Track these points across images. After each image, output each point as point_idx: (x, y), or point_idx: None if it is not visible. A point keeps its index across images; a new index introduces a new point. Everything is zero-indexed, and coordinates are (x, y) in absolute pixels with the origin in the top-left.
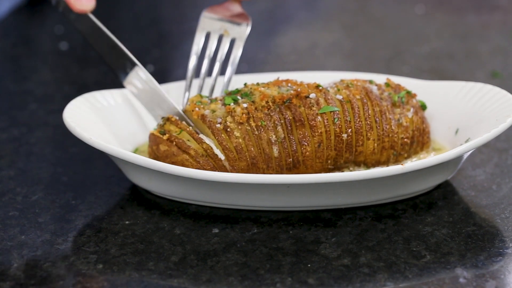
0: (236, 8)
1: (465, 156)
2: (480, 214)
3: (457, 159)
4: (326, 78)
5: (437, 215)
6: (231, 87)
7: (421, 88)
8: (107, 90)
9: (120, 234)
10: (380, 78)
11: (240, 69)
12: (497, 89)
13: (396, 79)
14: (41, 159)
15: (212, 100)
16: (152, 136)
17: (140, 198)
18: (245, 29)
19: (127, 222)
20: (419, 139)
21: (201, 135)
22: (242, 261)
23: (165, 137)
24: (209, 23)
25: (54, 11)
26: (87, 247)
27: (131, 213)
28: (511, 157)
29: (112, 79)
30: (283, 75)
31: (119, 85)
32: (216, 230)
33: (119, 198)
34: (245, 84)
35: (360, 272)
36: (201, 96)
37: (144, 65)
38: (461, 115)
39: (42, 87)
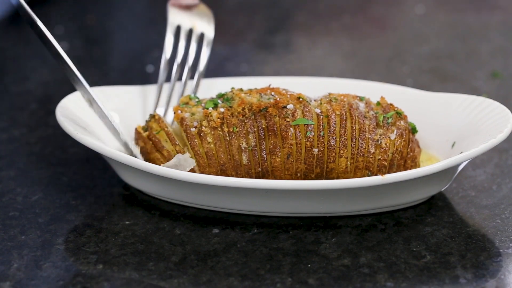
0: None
1: (460, 167)
2: (480, 215)
3: (448, 171)
4: (335, 85)
5: (437, 215)
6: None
7: (421, 99)
8: (108, 86)
9: (120, 234)
10: (385, 88)
11: (240, 69)
12: (496, 104)
13: (398, 89)
14: (41, 159)
15: (198, 102)
16: (135, 131)
17: (140, 199)
18: (211, 23)
19: (127, 222)
20: (400, 163)
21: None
22: (242, 261)
23: (145, 134)
24: (178, 15)
25: (54, 11)
26: (87, 247)
27: (131, 213)
28: (511, 157)
29: (113, 79)
30: (289, 79)
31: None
32: (216, 231)
33: (119, 198)
34: (232, 88)
35: (360, 272)
36: (190, 98)
37: (144, 65)
38: (459, 128)
39: (42, 87)
